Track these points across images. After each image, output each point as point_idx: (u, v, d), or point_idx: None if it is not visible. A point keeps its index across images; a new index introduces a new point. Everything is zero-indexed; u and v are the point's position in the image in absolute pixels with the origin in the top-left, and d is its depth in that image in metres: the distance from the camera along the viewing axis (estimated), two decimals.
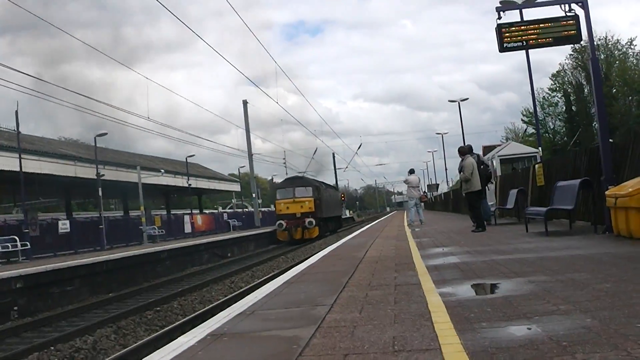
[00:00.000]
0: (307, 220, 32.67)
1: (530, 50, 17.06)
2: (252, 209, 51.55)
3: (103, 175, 30.25)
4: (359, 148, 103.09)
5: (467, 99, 43.53)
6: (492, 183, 17.79)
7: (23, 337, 10.28)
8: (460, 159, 13.33)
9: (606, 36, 54.42)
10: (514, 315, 3.62)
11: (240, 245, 28.55)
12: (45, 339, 9.36)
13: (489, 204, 15.66)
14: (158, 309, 12.14)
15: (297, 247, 28.84)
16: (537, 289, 4.48)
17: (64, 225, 26.52)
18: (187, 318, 10.37)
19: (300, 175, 41.43)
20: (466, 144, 15.09)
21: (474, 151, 14.92)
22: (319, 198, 34.44)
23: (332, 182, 61.25)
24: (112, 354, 8.33)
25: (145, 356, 3.70)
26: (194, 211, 48.01)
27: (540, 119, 52.32)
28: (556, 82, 57.82)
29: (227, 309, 5.12)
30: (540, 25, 18.58)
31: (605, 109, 10.66)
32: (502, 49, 18.16)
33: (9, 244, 21.19)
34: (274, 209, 36.77)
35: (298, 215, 32.95)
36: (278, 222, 33.16)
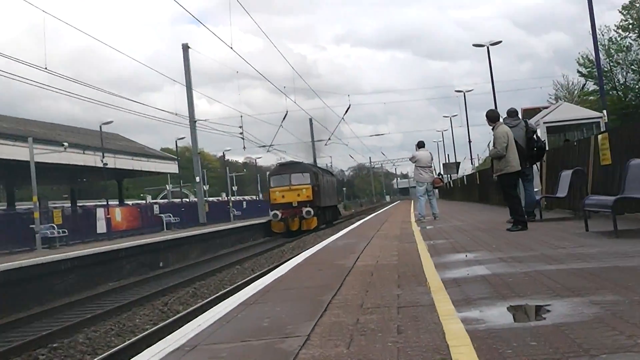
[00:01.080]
0: (305, 209, 39.78)
1: None
2: (196, 199, 51.55)
3: None
4: (346, 112, 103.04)
5: (499, 42, 43.65)
6: (543, 161, 17.90)
7: None
8: (490, 127, 13.32)
9: None
10: (570, 351, 3.60)
11: (177, 251, 28.55)
12: None
13: (535, 190, 15.70)
14: (55, 345, 12.06)
15: (259, 253, 29.48)
16: (602, 313, 4.48)
17: None
18: (99, 358, 10.28)
19: (296, 160, 48.70)
20: (510, 107, 15.04)
21: (519, 116, 14.93)
22: (317, 185, 41.65)
23: (310, 158, 62.50)
24: None
25: None
26: (112, 202, 47.79)
27: (606, 70, 52.66)
28: (629, 16, 57.97)
29: (158, 343, 5.12)
30: None
31: None
32: None
33: None
34: (268, 197, 43.71)
35: (295, 204, 40.17)
36: (273, 213, 40.27)
